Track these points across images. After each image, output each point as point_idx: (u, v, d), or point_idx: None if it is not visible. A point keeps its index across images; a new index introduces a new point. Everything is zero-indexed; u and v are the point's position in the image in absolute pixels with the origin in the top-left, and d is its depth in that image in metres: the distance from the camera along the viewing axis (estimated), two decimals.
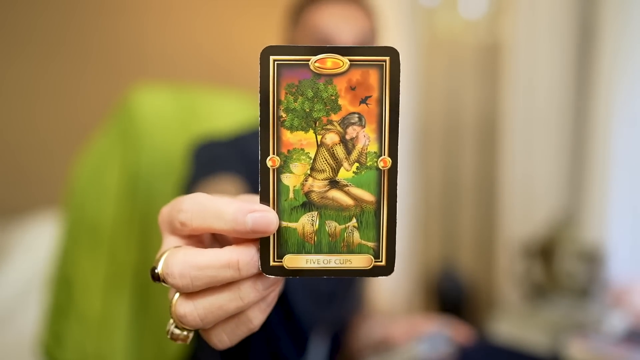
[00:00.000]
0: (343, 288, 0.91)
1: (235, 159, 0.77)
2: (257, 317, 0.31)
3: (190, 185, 0.73)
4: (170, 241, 0.32)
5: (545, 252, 1.17)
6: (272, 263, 0.30)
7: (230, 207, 0.29)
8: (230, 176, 0.72)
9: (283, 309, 0.80)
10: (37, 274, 1.25)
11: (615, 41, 1.24)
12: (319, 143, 0.30)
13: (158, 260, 0.30)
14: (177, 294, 0.30)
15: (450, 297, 1.67)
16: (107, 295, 0.91)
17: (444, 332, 0.88)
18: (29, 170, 1.52)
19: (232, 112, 1.06)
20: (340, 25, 0.79)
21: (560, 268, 1.12)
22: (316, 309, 0.84)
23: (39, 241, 1.30)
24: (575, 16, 1.36)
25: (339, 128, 0.30)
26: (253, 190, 0.71)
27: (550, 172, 1.41)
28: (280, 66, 0.29)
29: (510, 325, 0.97)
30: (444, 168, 1.79)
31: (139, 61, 1.62)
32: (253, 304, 0.30)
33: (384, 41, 0.90)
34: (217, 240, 0.35)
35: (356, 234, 0.31)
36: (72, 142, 1.36)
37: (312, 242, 0.31)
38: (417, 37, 1.68)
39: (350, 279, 0.92)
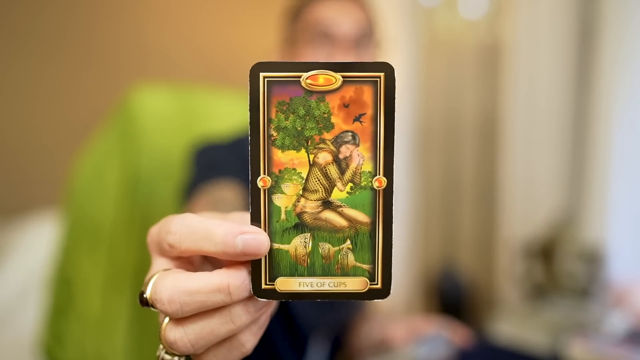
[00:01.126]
0: None
1: (235, 162, 0.77)
2: (249, 341, 0.30)
3: (190, 189, 0.72)
4: (159, 263, 0.31)
5: (545, 252, 1.17)
6: (263, 286, 0.29)
7: (220, 228, 0.28)
8: (230, 180, 0.72)
9: (282, 312, 0.79)
10: (37, 274, 1.25)
11: (616, 41, 1.24)
12: (311, 162, 0.29)
13: (146, 284, 0.29)
14: (167, 319, 0.30)
15: (451, 297, 1.67)
16: (107, 295, 0.91)
17: (443, 334, 0.88)
18: (29, 170, 1.52)
19: (232, 113, 1.06)
20: (339, 19, 0.80)
21: (561, 268, 1.12)
22: (316, 312, 0.84)
23: (39, 241, 1.30)
24: (576, 16, 1.36)
25: (332, 147, 0.29)
26: None
27: (550, 172, 1.41)
28: (270, 83, 0.28)
29: (511, 326, 0.97)
30: (444, 168, 1.79)
31: (139, 61, 1.62)
32: (245, 327, 0.30)
33: (384, 40, 0.89)
34: (208, 260, 0.35)
35: (351, 256, 0.30)
36: (72, 142, 1.36)
37: (305, 264, 0.30)
38: (417, 37, 1.67)
39: None
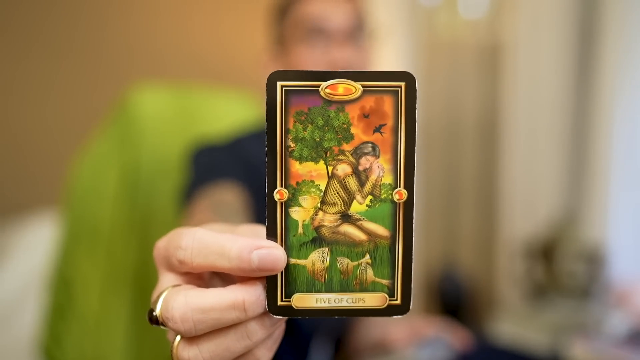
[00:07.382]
0: None
1: (234, 164, 0.76)
2: (264, 355, 0.29)
3: (189, 191, 0.71)
4: (167, 278, 0.30)
5: (546, 252, 1.17)
6: (279, 303, 0.28)
7: (234, 244, 0.27)
8: (229, 182, 0.71)
9: None
10: (37, 274, 1.25)
11: (616, 41, 1.24)
12: (330, 174, 0.28)
13: (155, 302, 0.28)
14: (178, 337, 0.29)
15: (451, 297, 1.67)
16: (106, 295, 0.90)
17: (444, 337, 0.88)
18: (29, 170, 1.52)
19: (231, 112, 1.06)
20: (330, 13, 0.80)
21: (562, 268, 1.12)
22: None
23: (39, 241, 1.30)
24: (576, 16, 1.35)
25: (351, 158, 0.28)
26: (252, 195, 0.70)
27: (551, 172, 1.41)
28: (288, 92, 0.27)
29: (511, 326, 0.97)
30: (445, 168, 1.79)
31: (138, 61, 1.62)
32: (260, 342, 0.29)
33: (377, 29, 0.89)
34: (218, 275, 0.33)
35: (370, 271, 0.29)
36: (71, 142, 1.35)
37: (323, 280, 0.29)
38: (417, 37, 1.67)
39: None
